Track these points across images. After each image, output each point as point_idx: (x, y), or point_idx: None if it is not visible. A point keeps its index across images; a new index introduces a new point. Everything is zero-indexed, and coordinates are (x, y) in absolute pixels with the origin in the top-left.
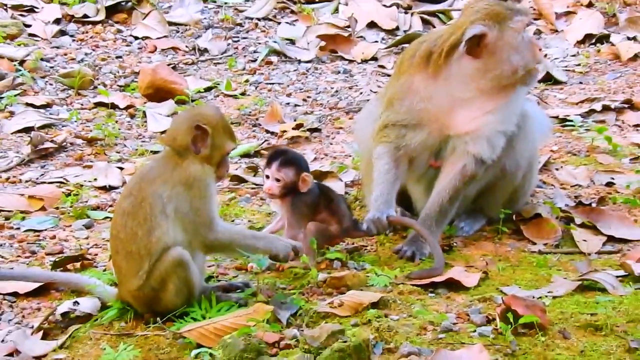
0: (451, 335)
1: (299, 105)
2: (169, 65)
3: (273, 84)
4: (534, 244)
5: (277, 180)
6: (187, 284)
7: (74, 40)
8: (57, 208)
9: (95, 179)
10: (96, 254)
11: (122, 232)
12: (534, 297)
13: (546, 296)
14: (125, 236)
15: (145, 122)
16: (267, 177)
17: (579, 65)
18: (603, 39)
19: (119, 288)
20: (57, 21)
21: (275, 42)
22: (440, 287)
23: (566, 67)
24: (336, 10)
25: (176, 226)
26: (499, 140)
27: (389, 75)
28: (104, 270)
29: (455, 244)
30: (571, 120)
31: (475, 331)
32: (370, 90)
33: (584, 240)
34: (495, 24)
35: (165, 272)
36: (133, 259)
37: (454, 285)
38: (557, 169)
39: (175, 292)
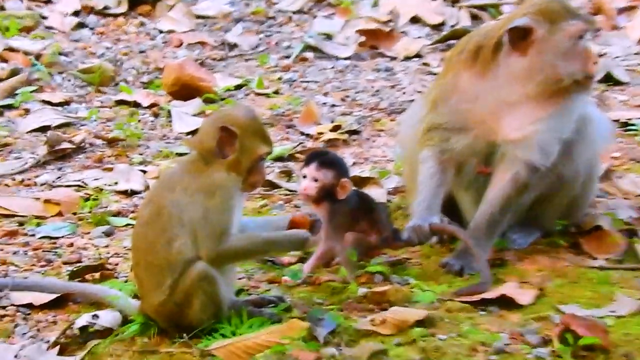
0: (504, 357)
1: (336, 106)
2: (195, 61)
3: (308, 82)
4: (594, 258)
5: (315, 180)
6: (213, 299)
7: (93, 34)
8: (74, 214)
9: (116, 183)
10: (117, 264)
11: (142, 243)
12: (594, 317)
13: (608, 316)
14: (145, 247)
15: (170, 121)
16: (304, 176)
17: None
18: None
19: (141, 301)
20: (76, 13)
21: (310, 37)
22: (492, 305)
23: (628, 66)
24: (376, 3)
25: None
26: (552, 146)
27: (434, 74)
28: (126, 281)
29: (507, 257)
30: (634, 124)
31: (530, 353)
32: (414, 90)
33: None
34: (547, 21)
35: (190, 287)
36: (154, 272)
37: (506, 303)
38: (619, 178)
39: (201, 308)
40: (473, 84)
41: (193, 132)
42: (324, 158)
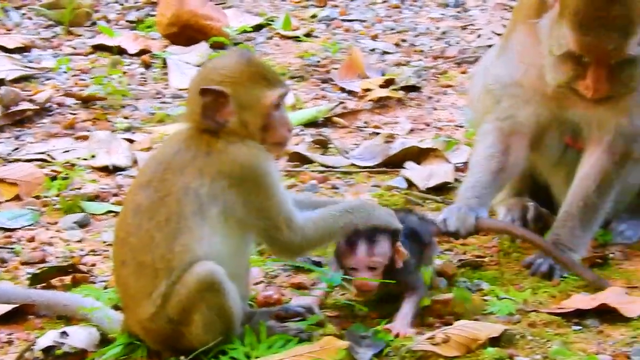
0: None
1: (389, 53)
2: None
3: (352, 21)
4: None
5: (372, 269)
6: (221, 313)
7: None
8: (37, 197)
9: (93, 156)
10: (93, 265)
11: (133, 236)
12: None
13: None
14: (138, 241)
15: (166, 74)
16: (353, 269)
17: None
18: None
19: (125, 314)
20: None
21: None
22: (590, 317)
23: None
24: None
25: (221, 234)
26: None
27: None
28: (105, 287)
29: (612, 254)
30: None
31: None
32: (493, 32)
33: None
34: None
35: (188, 298)
36: (146, 274)
37: (609, 315)
38: None
39: (203, 327)
40: (533, 38)
41: None
42: (367, 234)
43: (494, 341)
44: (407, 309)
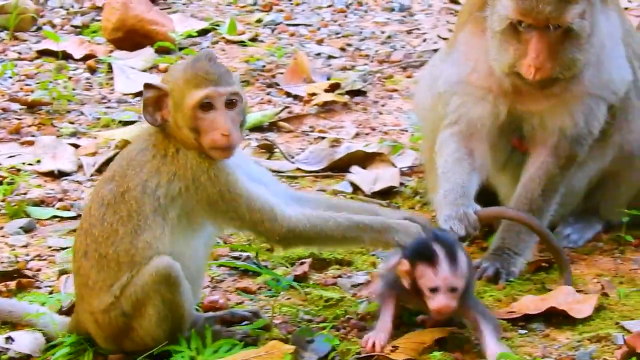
0: None
1: (334, 57)
2: None
3: (297, 25)
4: None
5: (454, 290)
6: (174, 309)
7: None
8: None
9: (39, 161)
10: (39, 270)
11: (96, 228)
12: None
13: None
14: (101, 234)
15: (111, 79)
16: (433, 291)
17: None
18: None
19: (77, 307)
20: None
21: None
22: (536, 321)
23: None
24: None
25: (183, 235)
26: (595, 107)
27: None
28: (51, 292)
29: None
30: None
31: None
32: (438, 36)
33: None
34: None
35: (144, 290)
36: (108, 267)
37: (555, 318)
38: None
39: (155, 321)
40: (475, 41)
41: (141, 94)
42: (448, 250)
43: (440, 344)
44: (491, 329)
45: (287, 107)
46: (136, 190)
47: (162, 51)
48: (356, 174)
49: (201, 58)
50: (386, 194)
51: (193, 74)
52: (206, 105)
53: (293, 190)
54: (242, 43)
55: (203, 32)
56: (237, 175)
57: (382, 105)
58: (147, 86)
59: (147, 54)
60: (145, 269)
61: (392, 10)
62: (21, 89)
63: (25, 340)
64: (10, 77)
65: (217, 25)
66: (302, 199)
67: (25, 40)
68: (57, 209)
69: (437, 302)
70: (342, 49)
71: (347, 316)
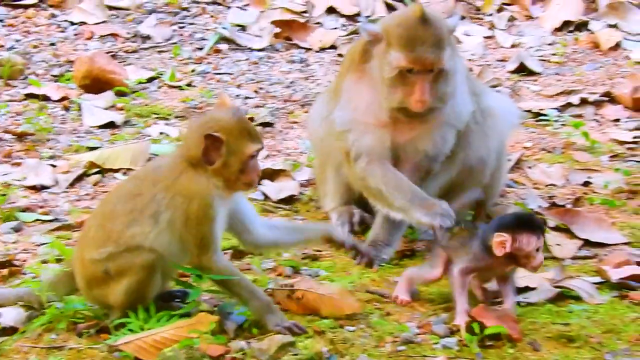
0: (412, 348)
1: (250, 98)
2: (107, 53)
3: (222, 74)
4: None
5: (538, 249)
6: (141, 290)
7: (3, 26)
8: None
9: (25, 178)
10: (25, 260)
11: (109, 205)
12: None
13: (519, 304)
14: (109, 211)
15: (81, 115)
16: (537, 250)
17: (555, 54)
18: (582, 26)
19: (77, 248)
20: None
21: (224, 28)
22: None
23: (541, 56)
24: None
25: (167, 235)
26: (449, 133)
27: None
28: (34, 278)
29: (418, 248)
30: (546, 115)
31: (438, 343)
32: (328, 82)
33: (558, 245)
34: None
35: (128, 267)
36: (102, 233)
37: (416, 294)
38: (529, 167)
39: (125, 290)
40: (355, 88)
41: (104, 126)
42: (527, 218)
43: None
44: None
45: None
46: (146, 198)
47: (120, 94)
48: (266, 186)
49: (239, 114)
50: (289, 201)
51: (247, 130)
52: (254, 155)
53: (266, 219)
54: (180, 87)
55: (150, 79)
56: (218, 212)
57: (286, 134)
58: (209, 136)
59: (108, 96)
60: (140, 254)
61: (293, 62)
62: (12, 123)
63: (11, 315)
64: (4, 115)
65: (161, 74)
66: (272, 226)
67: (15, 86)
68: (39, 214)
69: (539, 259)
70: (256, 92)
71: None
